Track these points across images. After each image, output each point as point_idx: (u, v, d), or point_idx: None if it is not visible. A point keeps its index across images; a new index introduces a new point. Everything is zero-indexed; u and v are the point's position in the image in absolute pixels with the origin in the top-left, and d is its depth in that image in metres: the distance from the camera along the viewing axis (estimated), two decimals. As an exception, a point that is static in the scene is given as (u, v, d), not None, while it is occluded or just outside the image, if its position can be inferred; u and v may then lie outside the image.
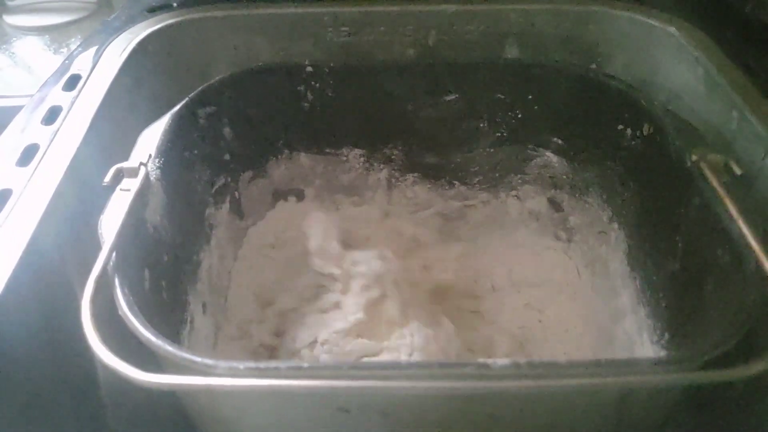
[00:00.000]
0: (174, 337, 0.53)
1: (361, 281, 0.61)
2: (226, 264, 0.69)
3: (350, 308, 0.60)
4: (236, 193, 0.70)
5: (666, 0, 0.66)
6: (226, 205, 0.68)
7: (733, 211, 0.44)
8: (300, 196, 0.75)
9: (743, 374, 0.35)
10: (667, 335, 0.53)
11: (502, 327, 0.71)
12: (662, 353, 0.52)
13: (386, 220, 0.75)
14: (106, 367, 0.35)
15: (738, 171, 0.47)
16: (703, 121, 0.57)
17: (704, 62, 0.57)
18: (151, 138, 0.53)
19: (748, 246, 0.42)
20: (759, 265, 0.40)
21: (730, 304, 0.43)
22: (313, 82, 0.66)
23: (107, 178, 0.47)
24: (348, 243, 0.68)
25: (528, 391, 0.35)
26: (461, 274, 0.75)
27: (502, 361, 0.35)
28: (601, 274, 0.67)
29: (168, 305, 0.52)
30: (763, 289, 0.40)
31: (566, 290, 0.72)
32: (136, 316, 0.39)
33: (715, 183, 0.46)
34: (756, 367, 0.35)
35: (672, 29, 0.62)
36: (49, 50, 0.99)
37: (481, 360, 0.35)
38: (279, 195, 0.74)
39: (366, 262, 0.63)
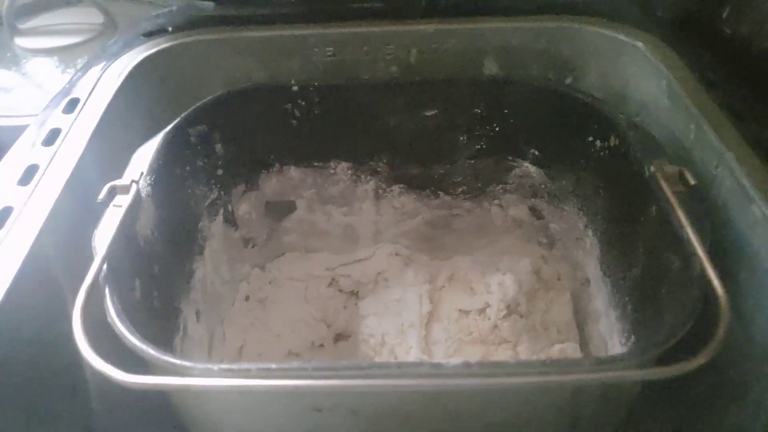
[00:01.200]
0: (167, 343, 0.56)
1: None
2: (221, 273, 0.73)
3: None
4: (229, 206, 0.73)
5: (635, 16, 0.69)
6: (220, 218, 0.71)
7: (683, 218, 0.46)
8: (292, 207, 0.79)
9: (683, 369, 0.38)
10: (633, 338, 0.55)
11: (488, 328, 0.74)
12: (628, 355, 0.55)
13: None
14: (93, 369, 0.39)
15: (692, 181, 0.49)
16: (666, 132, 0.59)
17: (667, 76, 0.60)
18: (144, 156, 0.57)
19: (694, 252, 0.44)
20: (702, 270, 0.43)
21: (680, 307, 0.46)
22: (299, 101, 0.69)
23: (101, 195, 0.51)
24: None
25: (479, 389, 0.38)
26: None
27: (454, 361, 0.38)
28: (580, 279, 0.70)
29: (160, 313, 0.55)
30: (704, 291, 0.42)
31: (549, 294, 0.75)
32: (123, 323, 0.43)
33: (668, 192, 0.49)
34: (695, 363, 0.38)
35: (639, 44, 0.65)
36: (58, 70, 1.04)
37: (435, 361, 0.38)
38: (271, 206, 0.78)
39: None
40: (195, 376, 0.40)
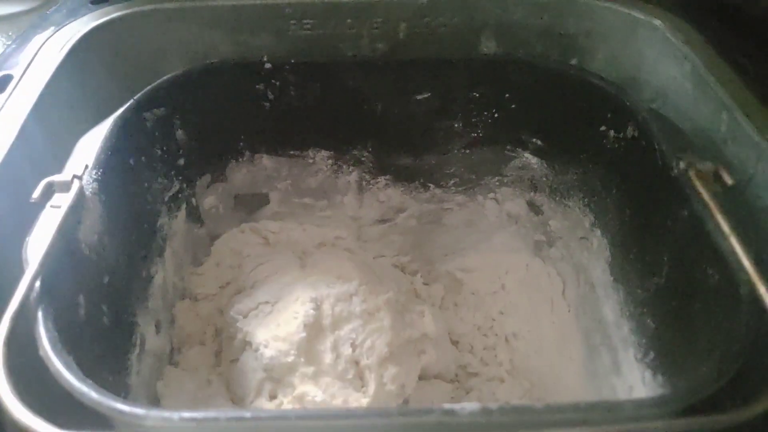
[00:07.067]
0: (121, 366, 0.48)
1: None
2: (182, 273, 0.64)
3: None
4: (193, 200, 0.65)
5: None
6: (182, 213, 0.63)
7: (724, 226, 0.40)
8: (264, 200, 0.71)
9: (739, 419, 0.32)
10: (652, 354, 0.49)
11: (480, 337, 0.68)
12: (647, 373, 0.49)
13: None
14: (17, 425, 0.31)
15: (729, 181, 0.43)
16: (691, 122, 0.53)
17: (692, 58, 0.53)
18: (89, 146, 0.48)
19: (740, 266, 0.38)
20: (752, 290, 0.37)
21: (720, 330, 0.40)
22: (273, 80, 0.61)
23: (35, 194, 0.42)
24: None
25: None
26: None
27: (470, 406, 0.31)
28: (583, 282, 0.64)
29: (111, 331, 0.47)
30: (757, 317, 0.36)
31: (547, 297, 0.69)
32: (59, 357, 0.35)
33: (704, 194, 0.43)
34: (753, 410, 0.32)
35: (657, 22, 0.58)
36: (-2, 42, 0.93)
37: (447, 405, 0.31)
38: (241, 199, 0.70)
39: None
40: (150, 426, 0.32)
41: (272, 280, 0.58)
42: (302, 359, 0.49)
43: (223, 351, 0.56)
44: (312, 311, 0.51)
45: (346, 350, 0.51)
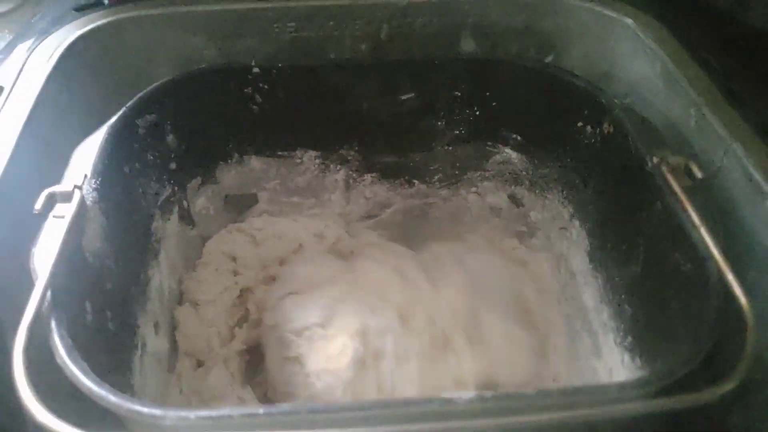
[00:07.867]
0: (125, 368, 0.50)
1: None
2: (176, 275, 0.66)
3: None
4: (184, 202, 0.66)
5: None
6: (175, 216, 0.64)
7: (695, 218, 0.43)
8: (253, 200, 0.72)
9: (715, 395, 0.35)
10: (630, 338, 0.53)
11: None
12: (626, 356, 0.52)
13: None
14: (40, 428, 0.32)
15: (699, 174, 0.46)
16: (662, 117, 0.56)
17: (661, 56, 0.56)
18: (85, 154, 0.49)
19: (709, 255, 0.41)
20: (720, 277, 0.40)
21: (692, 314, 0.43)
22: (260, 84, 0.62)
23: (38, 205, 0.43)
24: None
25: (497, 429, 0.34)
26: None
27: (467, 394, 0.34)
28: (564, 271, 0.67)
29: (115, 334, 0.49)
30: (724, 302, 0.39)
31: (529, 286, 0.72)
32: (76, 363, 0.36)
33: (676, 188, 0.46)
34: (723, 388, 0.35)
35: (628, 20, 0.61)
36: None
37: (446, 394, 0.34)
38: (231, 200, 0.71)
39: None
40: (168, 426, 0.34)
41: (321, 288, 0.60)
42: (348, 394, 0.52)
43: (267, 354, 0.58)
44: (360, 347, 0.53)
45: (387, 388, 0.53)
